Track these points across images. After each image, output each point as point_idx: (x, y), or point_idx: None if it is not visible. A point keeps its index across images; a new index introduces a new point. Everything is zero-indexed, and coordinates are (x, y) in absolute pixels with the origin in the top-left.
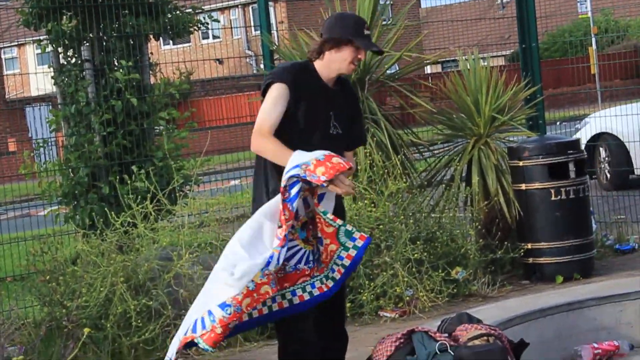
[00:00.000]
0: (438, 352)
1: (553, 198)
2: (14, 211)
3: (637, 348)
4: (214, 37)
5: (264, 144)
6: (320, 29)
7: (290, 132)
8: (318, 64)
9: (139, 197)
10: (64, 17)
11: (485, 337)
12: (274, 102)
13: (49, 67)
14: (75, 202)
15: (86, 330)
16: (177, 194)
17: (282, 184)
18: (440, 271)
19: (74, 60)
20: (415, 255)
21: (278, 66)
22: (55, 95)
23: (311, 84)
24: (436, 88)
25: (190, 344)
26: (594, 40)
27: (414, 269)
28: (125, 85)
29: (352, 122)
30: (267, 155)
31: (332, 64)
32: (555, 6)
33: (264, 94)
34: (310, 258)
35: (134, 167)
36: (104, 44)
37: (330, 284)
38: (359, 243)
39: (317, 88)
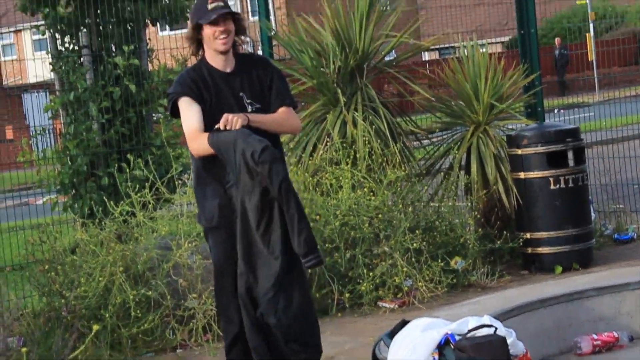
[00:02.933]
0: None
1: (552, 187)
2: (13, 199)
3: (636, 339)
4: None
5: (200, 142)
6: None
7: (212, 127)
8: (207, 55)
9: (138, 185)
10: (61, 2)
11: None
12: (187, 111)
13: (47, 54)
14: (74, 191)
15: (95, 327)
16: (176, 182)
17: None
18: (439, 261)
19: (71, 46)
20: (415, 245)
21: (174, 81)
22: (53, 82)
23: (207, 79)
24: (434, 75)
25: None
26: (591, 26)
27: (413, 259)
28: (123, 71)
29: (269, 90)
30: (209, 148)
31: (208, 49)
32: None
33: (172, 113)
34: None
35: (129, 156)
36: (102, 29)
37: None
38: None
39: (215, 79)
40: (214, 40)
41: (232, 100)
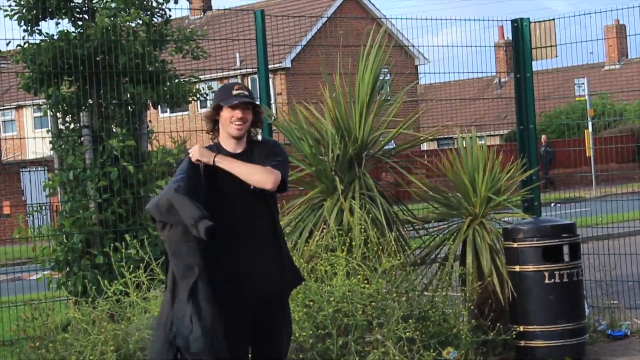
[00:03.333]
0: None
1: (547, 281)
2: (6, 274)
3: None
4: None
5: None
6: None
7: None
8: (221, 136)
9: (132, 265)
10: (64, 82)
11: None
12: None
13: (47, 132)
14: (68, 268)
15: None
16: None
17: None
18: (431, 351)
19: (72, 125)
20: (407, 333)
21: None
22: (51, 159)
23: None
24: (432, 165)
25: None
26: (590, 123)
27: (405, 348)
28: (122, 152)
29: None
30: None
31: (222, 131)
32: (552, 88)
33: None
34: None
35: (126, 236)
36: (103, 110)
37: None
38: None
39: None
40: (230, 124)
41: (236, 181)
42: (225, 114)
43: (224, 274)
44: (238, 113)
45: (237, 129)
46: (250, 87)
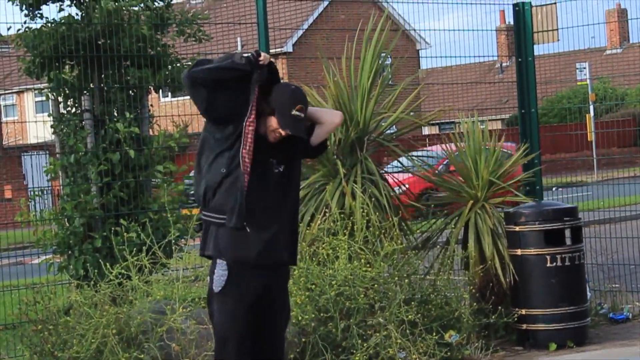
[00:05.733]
0: None
1: (548, 264)
2: (8, 259)
3: None
4: None
5: None
6: None
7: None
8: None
9: (134, 249)
10: (66, 66)
11: None
12: None
13: (48, 116)
14: (70, 252)
15: None
16: (173, 248)
17: None
18: (433, 334)
19: (74, 109)
20: (409, 317)
21: None
22: (53, 144)
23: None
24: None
25: None
26: (591, 107)
27: (407, 331)
28: (124, 136)
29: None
30: None
31: (263, 123)
32: (554, 72)
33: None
34: None
35: (122, 221)
36: (105, 94)
37: None
38: None
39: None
40: (270, 131)
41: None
42: (273, 122)
43: (248, 240)
44: (284, 132)
45: (274, 139)
46: None
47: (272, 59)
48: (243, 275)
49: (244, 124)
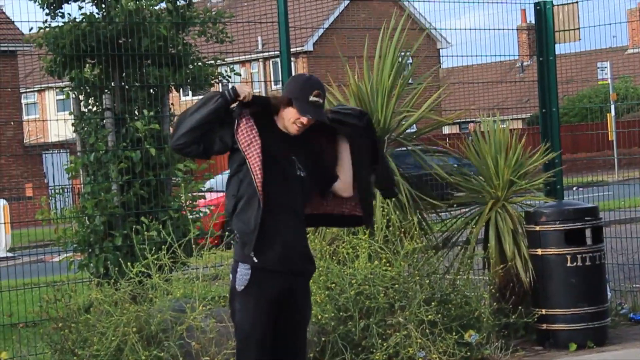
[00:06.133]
0: None
1: (569, 264)
2: (29, 256)
3: None
4: None
5: None
6: None
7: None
8: (277, 118)
9: (154, 247)
10: (87, 65)
11: None
12: None
13: (69, 114)
14: (90, 250)
15: None
16: (193, 246)
17: None
18: (453, 334)
19: (94, 108)
20: (429, 316)
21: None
22: (73, 142)
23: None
24: (454, 149)
25: None
26: (612, 106)
27: (427, 330)
28: (144, 135)
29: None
30: None
31: (280, 121)
32: (575, 71)
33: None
34: None
35: (143, 219)
36: (126, 93)
37: None
38: None
39: (275, 132)
40: (291, 123)
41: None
42: (292, 113)
43: (268, 243)
44: (305, 121)
45: (296, 130)
46: (271, 70)
47: (254, 94)
48: (266, 276)
49: (235, 131)
